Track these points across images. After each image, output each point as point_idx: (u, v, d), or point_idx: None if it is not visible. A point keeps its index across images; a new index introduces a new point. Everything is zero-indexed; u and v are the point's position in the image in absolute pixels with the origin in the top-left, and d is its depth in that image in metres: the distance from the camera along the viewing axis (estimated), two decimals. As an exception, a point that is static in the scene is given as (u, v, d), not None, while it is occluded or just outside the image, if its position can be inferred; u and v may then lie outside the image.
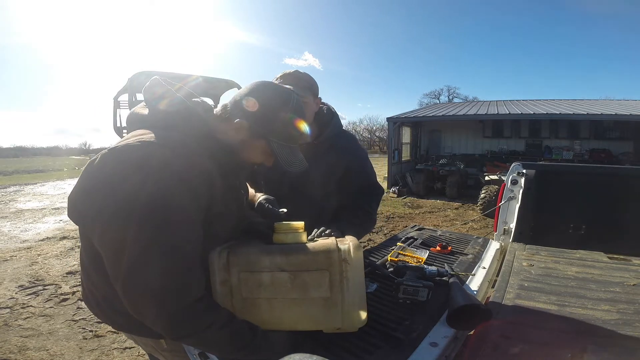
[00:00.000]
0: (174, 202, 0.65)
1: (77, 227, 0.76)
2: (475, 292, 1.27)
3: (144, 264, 0.63)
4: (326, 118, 1.28)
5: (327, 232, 1.01)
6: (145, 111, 0.79)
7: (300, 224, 0.91)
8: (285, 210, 1.04)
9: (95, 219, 0.67)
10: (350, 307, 0.81)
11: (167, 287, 0.64)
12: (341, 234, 1.05)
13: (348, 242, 0.84)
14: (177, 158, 0.68)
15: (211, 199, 0.74)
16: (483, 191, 6.82)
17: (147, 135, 0.72)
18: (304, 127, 0.87)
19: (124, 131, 5.47)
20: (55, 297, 3.03)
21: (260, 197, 1.13)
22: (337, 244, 0.83)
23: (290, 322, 0.81)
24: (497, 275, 1.42)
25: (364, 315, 0.83)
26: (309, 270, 0.80)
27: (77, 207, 0.71)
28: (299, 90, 1.12)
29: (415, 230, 2.07)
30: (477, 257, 1.63)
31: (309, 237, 0.99)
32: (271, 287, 0.80)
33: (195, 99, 0.86)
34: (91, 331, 2.46)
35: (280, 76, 1.17)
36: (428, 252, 1.60)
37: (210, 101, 5.19)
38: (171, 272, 0.65)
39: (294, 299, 0.80)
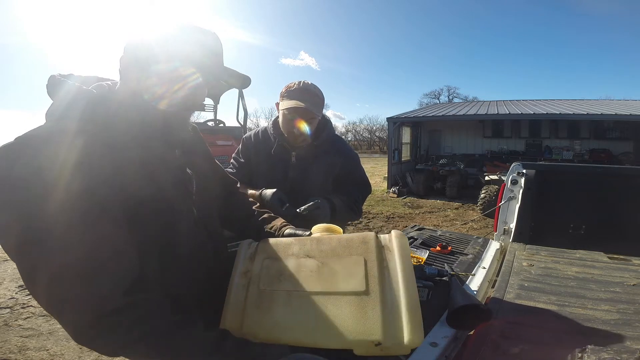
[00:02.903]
0: (63, 204, 0.55)
1: None
2: (475, 292, 1.27)
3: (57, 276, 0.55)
4: (322, 123, 1.39)
5: (317, 201, 1.17)
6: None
7: (338, 228, 0.84)
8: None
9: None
10: (393, 310, 0.59)
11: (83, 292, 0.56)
12: (330, 203, 1.22)
13: (390, 232, 0.74)
14: (67, 149, 0.59)
15: (121, 186, 0.62)
16: (483, 191, 6.82)
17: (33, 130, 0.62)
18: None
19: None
20: (55, 297, 3.04)
21: (269, 193, 1.20)
22: (375, 233, 0.73)
23: (309, 329, 0.60)
24: (497, 275, 1.42)
25: (417, 328, 0.58)
26: (340, 256, 0.67)
27: None
28: (314, 107, 1.21)
29: (415, 230, 2.07)
30: (477, 257, 1.63)
31: (301, 209, 1.13)
32: (293, 277, 0.66)
33: (106, 82, 0.75)
34: (91, 331, 2.46)
35: (296, 88, 1.22)
36: (428, 252, 1.60)
37: (211, 101, 5.19)
38: (82, 275, 0.55)
39: (317, 293, 0.63)
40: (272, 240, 0.77)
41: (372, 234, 0.71)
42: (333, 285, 0.64)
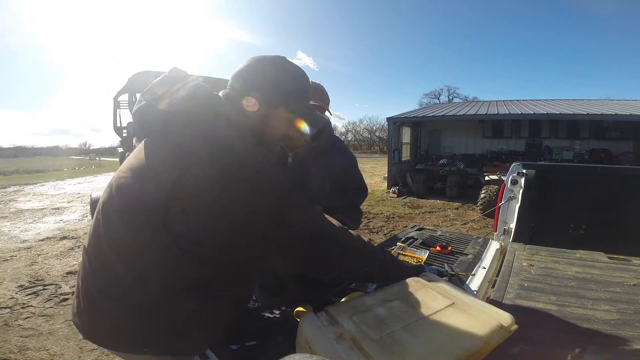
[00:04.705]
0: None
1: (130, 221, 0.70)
2: (475, 292, 1.27)
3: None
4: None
5: None
6: (170, 108, 0.73)
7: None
8: None
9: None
10: (481, 306, 0.75)
11: None
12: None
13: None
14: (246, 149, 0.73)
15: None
16: (483, 191, 6.82)
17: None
18: (305, 127, 0.89)
19: (124, 131, 5.47)
20: (55, 297, 3.03)
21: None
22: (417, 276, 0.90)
23: (450, 342, 0.65)
24: (497, 275, 1.42)
25: (504, 312, 0.73)
26: (411, 293, 0.80)
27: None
28: (325, 105, 1.22)
29: (415, 230, 2.07)
30: (477, 257, 1.62)
31: None
32: (396, 316, 0.71)
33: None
34: (91, 331, 2.46)
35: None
36: (428, 252, 1.60)
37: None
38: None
39: (426, 316, 0.71)
40: (337, 305, 0.79)
41: (417, 277, 0.88)
42: (430, 308, 0.73)
